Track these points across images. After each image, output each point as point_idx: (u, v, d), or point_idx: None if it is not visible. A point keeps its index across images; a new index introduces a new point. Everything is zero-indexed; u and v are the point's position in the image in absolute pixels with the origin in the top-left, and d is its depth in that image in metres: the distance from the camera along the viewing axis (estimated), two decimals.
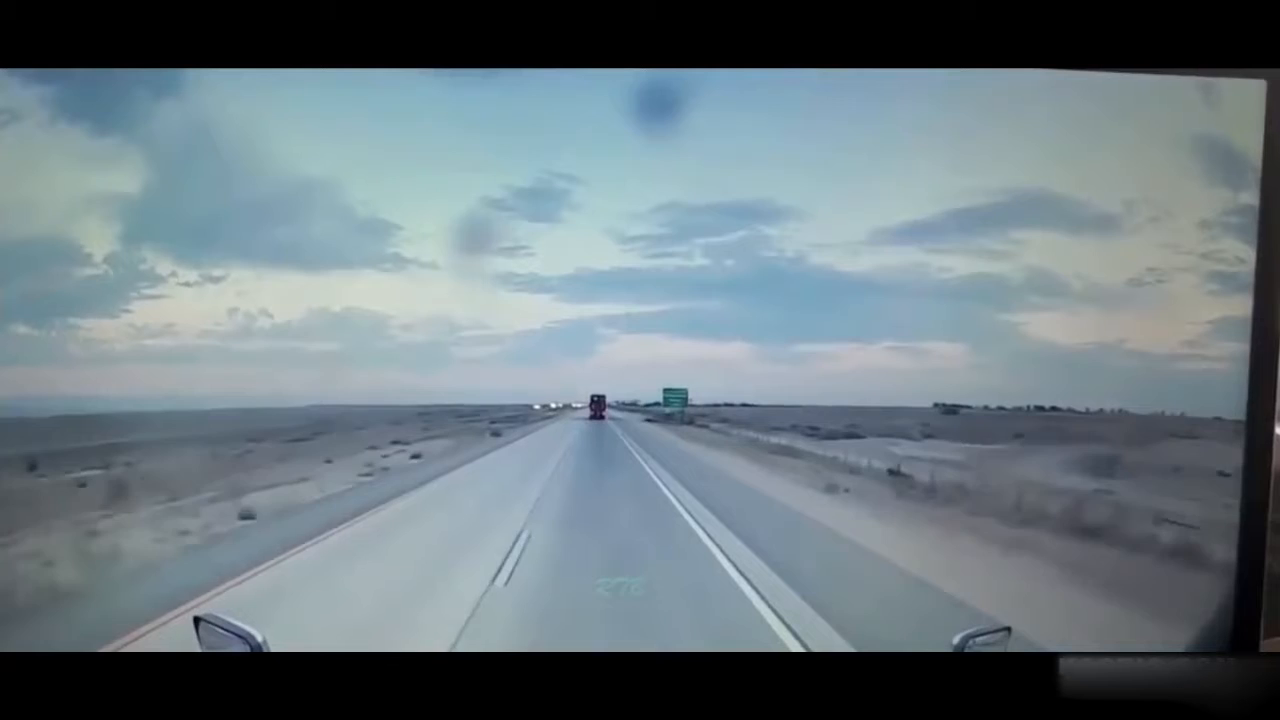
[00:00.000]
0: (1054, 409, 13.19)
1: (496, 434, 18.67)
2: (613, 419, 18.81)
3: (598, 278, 12.61)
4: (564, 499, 10.22)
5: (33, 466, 10.14)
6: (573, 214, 11.81)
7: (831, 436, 15.70)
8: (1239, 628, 2.78)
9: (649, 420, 20.37)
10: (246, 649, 2.14)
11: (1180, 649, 2.88)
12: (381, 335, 12.31)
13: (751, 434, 17.31)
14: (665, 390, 15.89)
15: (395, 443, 15.25)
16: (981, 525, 8.13)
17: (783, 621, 5.28)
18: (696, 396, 16.04)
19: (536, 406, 21.67)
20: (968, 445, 12.94)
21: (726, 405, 18.89)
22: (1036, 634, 3.46)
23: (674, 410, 17.34)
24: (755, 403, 18.34)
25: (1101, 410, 12.20)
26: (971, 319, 11.95)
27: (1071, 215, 9.99)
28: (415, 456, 14.36)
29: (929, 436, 14.75)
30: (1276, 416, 2.78)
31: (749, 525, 8.29)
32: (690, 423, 18.69)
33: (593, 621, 5.42)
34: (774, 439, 16.23)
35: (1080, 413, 12.66)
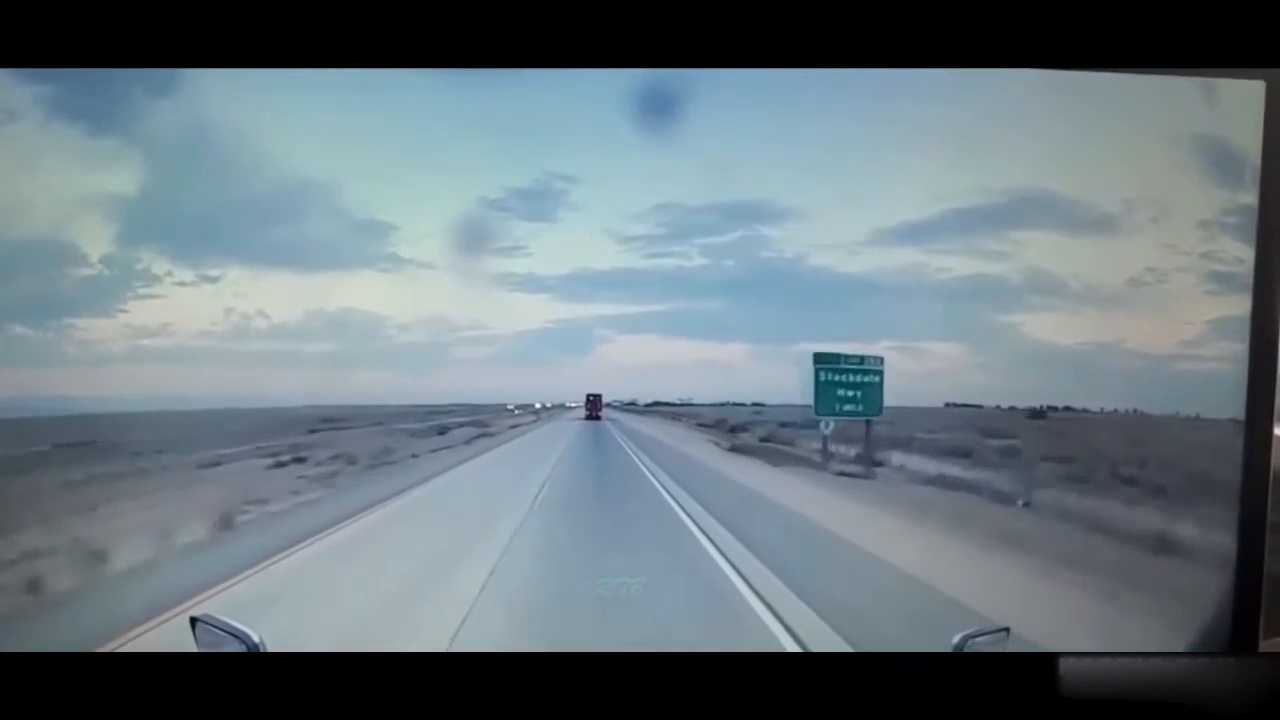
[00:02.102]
0: (1068, 409, 12.87)
1: None
2: (610, 419, 14.86)
3: (596, 277, 12.51)
4: None
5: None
6: (570, 214, 11.72)
7: None
8: (1239, 628, 2.77)
9: (735, 450, 9.56)
10: (243, 649, 2.15)
11: (1180, 649, 2.88)
12: (377, 335, 12.24)
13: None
14: (819, 366, 6.79)
15: None
16: None
17: None
18: (695, 397, 8.81)
19: (510, 407, 14.94)
20: None
21: (731, 404, 14.76)
22: None
23: (854, 415, 7.24)
24: (766, 403, 13.74)
25: (1116, 410, 11.97)
26: (971, 319, 11.93)
27: (1070, 215, 9.94)
28: None
29: None
30: (1275, 416, 2.78)
31: None
32: (873, 459, 7.77)
33: None
34: None
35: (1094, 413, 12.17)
